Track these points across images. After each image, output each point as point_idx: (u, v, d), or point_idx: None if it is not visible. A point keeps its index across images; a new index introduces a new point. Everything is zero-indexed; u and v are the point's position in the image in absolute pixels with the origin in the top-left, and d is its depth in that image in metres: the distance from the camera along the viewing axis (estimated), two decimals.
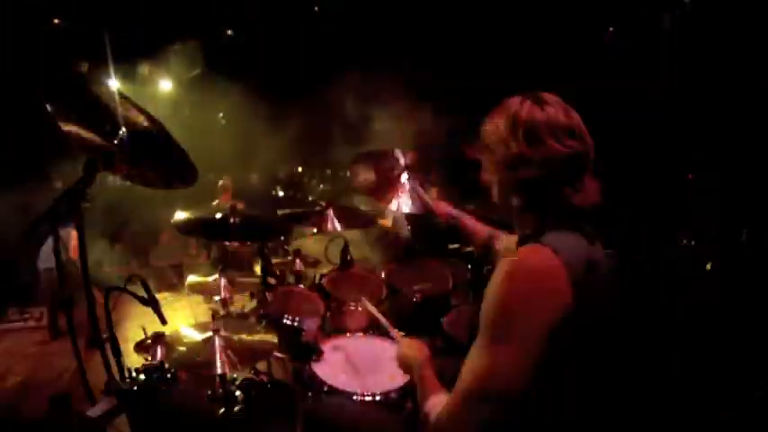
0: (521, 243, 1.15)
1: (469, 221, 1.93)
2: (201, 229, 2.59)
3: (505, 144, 1.12)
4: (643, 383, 2.86)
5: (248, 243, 3.29)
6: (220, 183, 5.98)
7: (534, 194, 1.13)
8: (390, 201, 2.45)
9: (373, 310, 2.00)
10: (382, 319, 1.88)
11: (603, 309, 1.12)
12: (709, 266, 4.32)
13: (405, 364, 1.44)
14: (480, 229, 1.88)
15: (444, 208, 2.05)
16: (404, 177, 2.52)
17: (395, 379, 1.95)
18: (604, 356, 1.17)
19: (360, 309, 2.38)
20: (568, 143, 1.08)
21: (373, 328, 2.51)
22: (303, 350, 2.11)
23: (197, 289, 2.90)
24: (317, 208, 2.89)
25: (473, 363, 1.05)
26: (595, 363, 1.13)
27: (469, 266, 2.94)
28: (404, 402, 1.91)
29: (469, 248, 3.01)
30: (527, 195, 1.14)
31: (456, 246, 3.05)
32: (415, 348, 1.42)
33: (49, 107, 1.57)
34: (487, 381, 1.02)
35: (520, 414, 1.05)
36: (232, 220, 2.51)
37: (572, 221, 1.13)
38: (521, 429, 1.09)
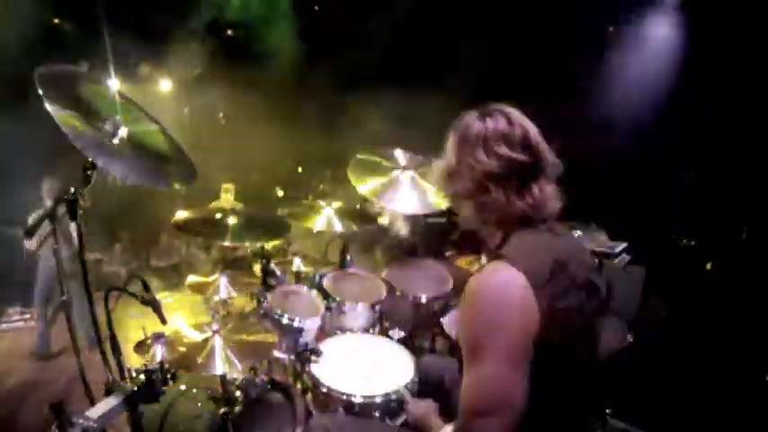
0: (489, 258, 1.18)
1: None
2: (201, 229, 2.59)
3: (450, 158, 1.19)
4: (643, 383, 2.86)
5: (248, 243, 3.28)
6: (224, 187, 5.99)
7: (476, 205, 1.16)
8: (390, 201, 2.45)
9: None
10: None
11: (583, 302, 1.13)
12: (709, 266, 4.32)
13: (419, 425, 1.49)
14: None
15: None
16: (403, 177, 2.52)
17: (394, 380, 1.95)
18: (593, 351, 1.17)
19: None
20: (501, 152, 1.10)
21: (373, 328, 2.52)
22: (303, 350, 2.11)
23: (197, 289, 2.90)
24: (317, 208, 2.89)
25: (465, 388, 1.09)
26: (583, 358, 1.13)
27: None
28: (403, 404, 1.91)
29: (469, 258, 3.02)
30: (472, 206, 1.18)
31: (453, 252, 3.05)
32: (425, 408, 1.51)
33: (48, 107, 1.57)
34: (474, 400, 1.06)
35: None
36: (232, 221, 2.52)
37: (529, 225, 1.14)
38: None
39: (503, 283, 1.05)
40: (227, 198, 5.84)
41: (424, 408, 1.53)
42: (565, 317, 1.07)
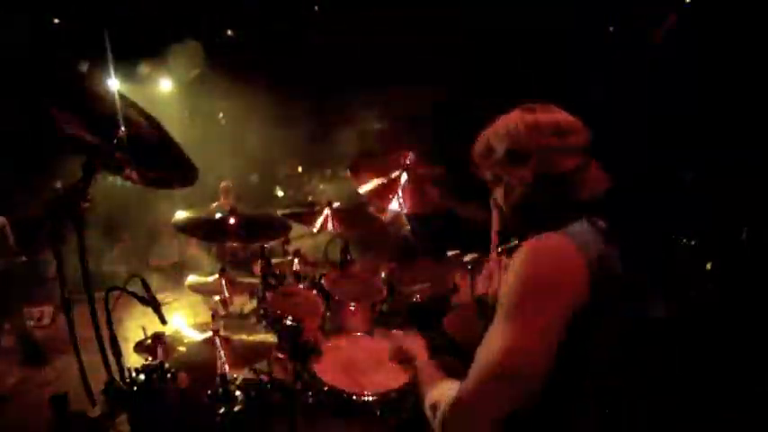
0: None
1: None
2: (201, 229, 2.59)
3: (509, 141, 1.17)
4: (644, 384, 2.86)
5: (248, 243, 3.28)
6: (222, 185, 5.97)
7: (543, 184, 1.15)
8: (390, 201, 2.46)
9: None
10: None
11: (617, 307, 1.12)
12: (709, 266, 4.32)
13: (403, 357, 1.48)
14: None
15: None
16: (403, 177, 2.52)
17: (394, 379, 1.95)
18: (618, 356, 1.17)
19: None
20: (563, 133, 1.14)
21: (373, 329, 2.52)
22: (303, 350, 2.11)
23: (197, 289, 2.90)
24: (317, 208, 2.89)
25: (492, 342, 1.05)
26: (609, 361, 1.13)
27: (469, 268, 2.93)
28: (403, 403, 1.92)
29: (471, 255, 3.00)
30: (536, 187, 1.16)
31: (456, 252, 3.04)
32: (413, 341, 1.49)
33: (48, 107, 1.57)
34: (507, 358, 1.01)
35: (534, 405, 1.05)
36: (232, 221, 2.52)
37: (585, 213, 1.16)
38: (534, 421, 1.10)
39: (560, 249, 1.05)
40: (226, 198, 5.84)
41: (414, 341, 1.50)
42: (610, 304, 1.07)
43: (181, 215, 2.52)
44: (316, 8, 6.79)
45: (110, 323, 1.74)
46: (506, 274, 1.09)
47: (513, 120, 1.20)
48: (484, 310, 1.22)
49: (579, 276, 1.04)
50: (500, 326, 1.05)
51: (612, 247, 1.16)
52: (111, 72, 4.58)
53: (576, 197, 1.15)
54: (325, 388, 1.91)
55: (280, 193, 8.79)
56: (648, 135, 5.04)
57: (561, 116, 1.18)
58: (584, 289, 1.03)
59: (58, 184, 4.87)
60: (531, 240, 1.09)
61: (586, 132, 1.18)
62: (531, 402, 1.04)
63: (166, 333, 2.15)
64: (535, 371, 1.01)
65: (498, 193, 1.26)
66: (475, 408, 1.05)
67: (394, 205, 2.46)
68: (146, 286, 1.78)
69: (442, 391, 1.14)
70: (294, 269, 2.96)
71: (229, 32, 7.15)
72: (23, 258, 4.13)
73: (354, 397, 1.86)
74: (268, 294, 2.56)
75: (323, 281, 2.71)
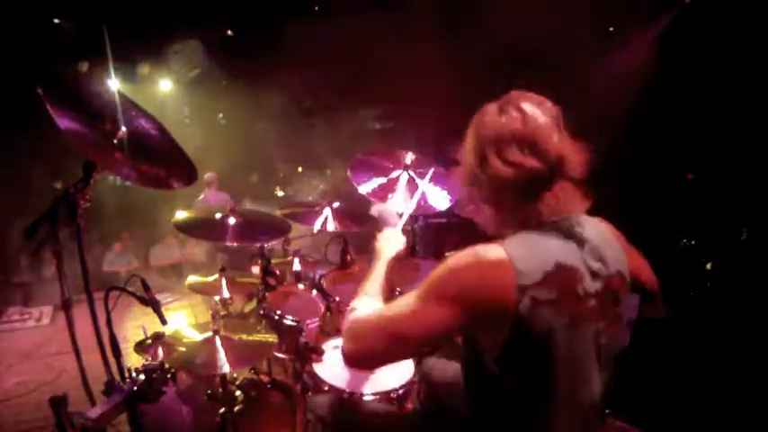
0: None
1: None
2: (202, 229, 2.58)
3: (467, 160, 1.16)
4: (643, 383, 2.86)
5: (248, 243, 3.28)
6: (206, 176, 5.96)
7: (496, 207, 1.16)
8: (389, 200, 2.45)
9: None
10: None
11: (586, 312, 1.08)
12: (709, 266, 4.33)
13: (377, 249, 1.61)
14: None
15: None
16: (403, 177, 2.52)
17: (395, 379, 1.95)
18: (593, 361, 1.12)
19: None
20: (512, 158, 1.06)
21: None
22: (303, 350, 2.11)
23: (197, 289, 2.90)
24: (317, 208, 2.89)
25: (397, 304, 1.17)
26: (577, 369, 1.10)
27: None
28: (404, 402, 1.92)
29: None
30: (491, 208, 1.17)
31: (454, 252, 3.03)
32: (392, 242, 1.63)
33: (48, 107, 1.57)
34: (395, 323, 1.14)
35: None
36: (232, 221, 2.52)
37: (543, 225, 1.10)
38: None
39: (492, 260, 1.04)
40: (211, 189, 5.83)
41: (393, 242, 1.64)
42: (549, 323, 1.03)
43: (181, 215, 2.52)
44: (316, 8, 6.79)
45: (110, 323, 1.73)
46: None
47: (480, 115, 1.16)
48: None
49: (499, 291, 1.02)
50: (410, 296, 1.15)
51: (592, 258, 1.09)
52: (111, 71, 4.58)
53: (534, 214, 1.09)
54: (326, 387, 1.91)
55: (280, 193, 8.80)
56: (649, 135, 5.04)
57: (513, 124, 1.07)
58: (506, 301, 1.01)
59: (58, 185, 4.87)
60: (470, 249, 1.08)
61: (551, 147, 1.06)
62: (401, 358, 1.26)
63: (166, 333, 2.15)
64: (411, 341, 1.12)
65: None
66: (354, 344, 1.19)
67: (393, 205, 2.46)
68: (146, 286, 1.77)
69: (362, 305, 1.30)
70: (294, 269, 2.96)
71: (229, 32, 7.15)
72: None
73: (354, 396, 1.86)
74: (268, 294, 2.56)
75: (323, 281, 2.70)
